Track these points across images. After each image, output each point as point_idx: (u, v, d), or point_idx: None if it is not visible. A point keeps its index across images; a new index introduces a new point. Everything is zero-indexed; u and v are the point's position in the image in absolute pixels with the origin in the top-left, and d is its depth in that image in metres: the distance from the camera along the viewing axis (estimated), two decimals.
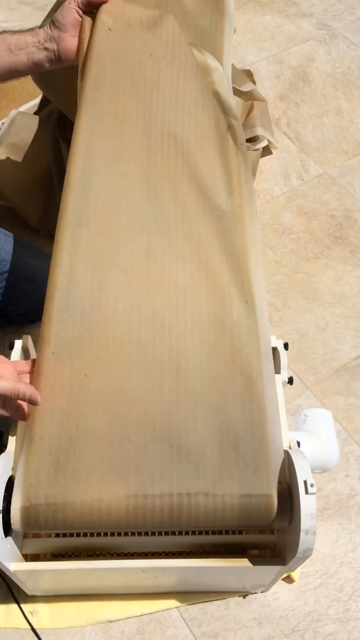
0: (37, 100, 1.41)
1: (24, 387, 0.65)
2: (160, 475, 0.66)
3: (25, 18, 1.71)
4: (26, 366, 0.71)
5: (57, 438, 0.66)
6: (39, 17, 1.67)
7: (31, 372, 0.71)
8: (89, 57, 0.84)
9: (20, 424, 0.72)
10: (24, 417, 0.68)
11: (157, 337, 0.72)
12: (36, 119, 1.21)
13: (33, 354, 0.82)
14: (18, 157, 1.15)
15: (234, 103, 0.90)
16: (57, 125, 1.15)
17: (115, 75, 0.84)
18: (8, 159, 1.15)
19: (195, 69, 0.86)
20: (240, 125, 0.88)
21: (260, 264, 0.80)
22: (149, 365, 0.70)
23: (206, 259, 0.77)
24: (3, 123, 1.25)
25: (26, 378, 0.70)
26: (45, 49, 0.84)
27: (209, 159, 0.83)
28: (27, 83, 1.48)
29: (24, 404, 0.68)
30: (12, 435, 0.72)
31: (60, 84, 0.99)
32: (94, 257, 0.75)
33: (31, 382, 0.69)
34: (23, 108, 1.38)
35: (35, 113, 1.24)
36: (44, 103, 1.22)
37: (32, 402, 0.66)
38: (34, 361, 0.71)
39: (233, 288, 0.76)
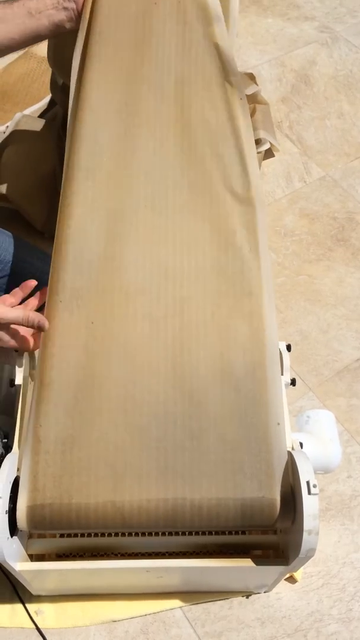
0: (42, 103, 1.42)
1: (33, 314, 0.69)
2: (165, 476, 0.66)
3: None
4: (20, 294, 0.74)
5: (62, 429, 0.68)
6: None
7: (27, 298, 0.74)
8: (93, 13, 0.84)
9: (25, 426, 0.73)
10: (28, 347, 0.73)
11: (161, 287, 0.74)
12: (41, 121, 1.22)
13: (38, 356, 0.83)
14: (23, 160, 1.16)
15: (234, 58, 0.89)
16: (62, 128, 1.16)
17: (120, 28, 0.85)
18: (13, 161, 1.16)
19: (200, 17, 0.86)
20: (239, 81, 0.87)
21: (265, 217, 0.82)
22: (153, 313, 0.73)
23: (211, 209, 0.79)
24: (7, 126, 1.26)
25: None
26: (65, 8, 0.84)
27: (215, 107, 0.84)
28: (31, 87, 1.49)
29: (29, 337, 0.73)
30: (17, 436, 0.72)
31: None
32: (101, 209, 0.77)
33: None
34: (27, 111, 1.39)
35: (39, 116, 1.25)
36: (50, 106, 1.23)
37: (40, 327, 0.70)
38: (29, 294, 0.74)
39: (238, 238, 0.77)
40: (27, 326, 0.70)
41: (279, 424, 0.69)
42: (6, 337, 0.71)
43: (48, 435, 0.67)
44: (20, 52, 1.61)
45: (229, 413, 0.70)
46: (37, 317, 0.70)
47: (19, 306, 0.73)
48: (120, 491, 0.66)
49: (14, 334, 0.71)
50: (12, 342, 0.71)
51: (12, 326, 0.71)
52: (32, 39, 0.85)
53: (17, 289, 0.75)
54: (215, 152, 0.82)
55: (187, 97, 0.83)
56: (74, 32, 0.85)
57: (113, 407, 0.69)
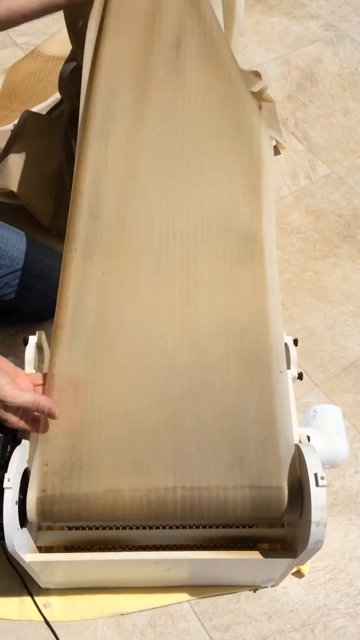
0: (48, 102, 1.43)
1: (44, 400, 0.66)
2: (174, 468, 0.67)
3: (35, 21, 1.72)
4: (40, 380, 0.72)
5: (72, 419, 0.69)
6: (48, 20, 1.68)
7: (44, 385, 0.72)
8: None
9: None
10: (36, 429, 0.69)
11: (169, 244, 0.79)
12: (48, 119, 1.22)
13: (47, 350, 0.83)
14: (30, 157, 1.17)
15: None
16: (69, 126, 1.16)
17: (135, 3, 0.88)
18: (20, 159, 1.16)
19: None
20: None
21: (273, 181, 0.86)
22: (161, 268, 0.78)
23: (217, 174, 0.84)
24: (15, 124, 1.27)
25: (39, 391, 0.71)
26: None
27: (221, 76, 0.89)
28: (38, 85, 1.50)
29: (38, 418, 0.69)
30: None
31: None
32: (114, 169, 0.82)
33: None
34: (34, 110, 1.40)
35: (46, 114, 1.26)
36: (57, 104, 1.24)
37: (50, 415, 0.67)
38: (45, 375, 0.73)
39: (242, 202, 0.82)
40: (37, 412, 0.67)
41: (281, 372, 0.73)
42: (14, 419, 0.67)
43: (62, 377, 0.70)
44: (26, 51, 1.62)
45: (233, 363, 0.72)
46: (47, 403, 0.67)
47: (31, 389, 0.70)
48: (130, 483, 0.66)
49: (23, 416, 0.68)
50: (20, 424, 0.68)
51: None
52: (50, 9, 0.86)
53: (36, 375, 0.73)
54: (223, 116, 0.87)
55: (200, 66, 0.88)
56: (90, 3, 0.88)
57: (124, 350, 0.73)
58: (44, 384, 0.72)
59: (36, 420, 0.69)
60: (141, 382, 0.71)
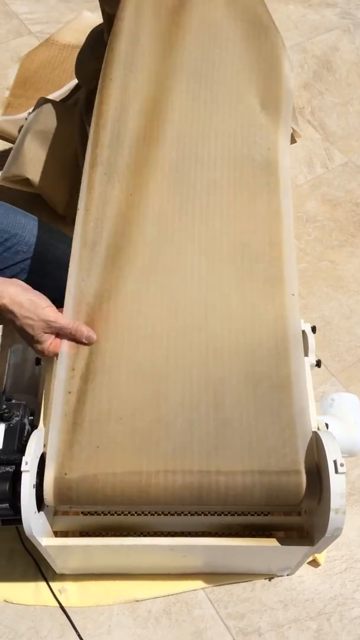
0: (63, 90, 1.42)
1: (83, 326, 0.72)
2: (192, 455, 0.66)
3: (50, 9, 1.72)
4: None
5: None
6: (63, 9, 1.68)
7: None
8: None
9: (51, 401, 0.73)
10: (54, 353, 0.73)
11: (192, 168, 0.83)
12: (64, 106, 1.22)
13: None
14: (45, 145, 1.16)
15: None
16: (84, 113, 1.16)
17: None
18: (35, 146, 1.16)
19: None
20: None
21: (289, 116, 0.90)
22: (184, 191, 0.82)
23: (239, 105, 0.88)
24: (29, 113, 1.26)
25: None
26: None
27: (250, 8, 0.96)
28: (53, 74, 1.50)
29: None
30: (43, 414, 0.73)
31: None
32: (138, 95, 0.86)
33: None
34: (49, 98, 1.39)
35: (62, 102, 1.25)
36: (72, 92, 1.23)
37: (89, 340, 0.72)
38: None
39: (260, 135, 0.87)
40: (74, 337, 0.72)
41: (293, 294, 0.77)
42: (49, 342, 0.72)
43: (87, 290, 0.75)
44: (41, 40, 1.61)
45: (248, 283, 0.77)
46: (86, 330, 0.72)
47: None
48: (146, 464, 0.66)
49: (56, 342, 0.73)
50: (52, 347, 0.72)
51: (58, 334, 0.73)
52: None
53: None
54: (247, 49, 0.91)
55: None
56: None
57: (141, 266, 0.77)
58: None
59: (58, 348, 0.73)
60: (157, 363, 0.71)
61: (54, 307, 0.73)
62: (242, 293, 0.76)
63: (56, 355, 0.73)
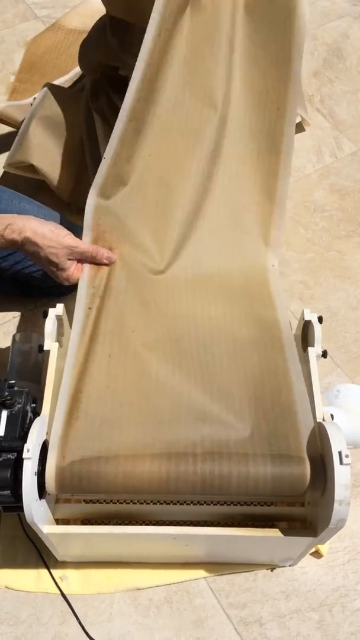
0: (69, 75, 1.41)
1: (102, 249, 0.81)
2: (195, 445, 0.66)
3: None
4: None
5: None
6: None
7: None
8: None
9: (55, 389, 0.73)
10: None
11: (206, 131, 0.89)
12: (70, 92, 1.20)
13: (67, 322, 0.83)
14: (51, 131, 1.15)
15: None
16: (90, 99, 1.14)
17: None
18: (41, 132, 1.15)
19: None
20: None
21: (299, 74, 0.91)
22: (195, 153, 0.89)
23: (255, 68, 0.91)
24: (35, 98, 1.25)
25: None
26: None
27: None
28: (59, 59, 1.48)
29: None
30: (46, 401, 0.72)
31: None
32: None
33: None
34: (55, 83, 1.38)
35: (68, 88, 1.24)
36: (79, 78, 1.22)
37: (109, 259, 0.82)
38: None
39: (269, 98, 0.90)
40: (95, 259, 0.81)
41: (273, 265, 0.88)
42: (72, 267, 0.81)
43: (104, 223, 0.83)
44: (47, 24, 1.59)
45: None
46: (106, 251, 0.81)
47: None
48: (150, 453, 0.65)
49: (78, 267, 0.82)
50: (76, 273, 0.81)
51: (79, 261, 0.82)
52: None
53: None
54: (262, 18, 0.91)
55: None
56: None
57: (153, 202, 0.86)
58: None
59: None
60: (159, 352, 0.72)
61: (73, 235, 0.80)
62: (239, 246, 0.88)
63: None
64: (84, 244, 0.81)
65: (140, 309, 0.79)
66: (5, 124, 1.30)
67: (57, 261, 0.79)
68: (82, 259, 0.82)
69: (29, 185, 1.19)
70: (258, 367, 0.73)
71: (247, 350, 0.75)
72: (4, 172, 1.23)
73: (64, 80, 1.38)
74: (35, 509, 0.64)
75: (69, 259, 0.80)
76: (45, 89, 1.20)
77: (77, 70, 1.41)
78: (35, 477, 0.64)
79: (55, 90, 1.20)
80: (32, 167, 1.15)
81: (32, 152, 1.13)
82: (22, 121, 1.21)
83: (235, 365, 0.73)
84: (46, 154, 1.15)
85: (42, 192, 1.19)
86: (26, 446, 0.63)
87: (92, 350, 0.74)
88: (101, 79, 1.13)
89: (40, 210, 1.01)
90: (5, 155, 1.25)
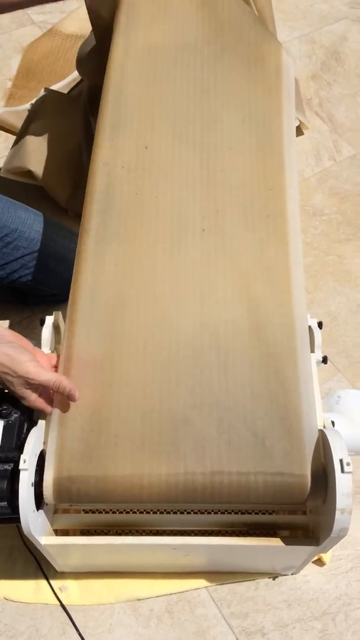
0: (66, 81, 1.41)
1: (65, 380, 0.65)
2: (195, 452, 0.65)
3: None
4: (55, 360, 0.71)
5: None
6: None
7: (56, 367, 0.70)
8: None
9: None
10: (48, 411, 0.67)
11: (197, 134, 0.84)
12: (67, 97, 1.20)
13: (63, 331, 0.82)
14: (48, 136, 1.15)
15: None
16: (88, 104, 1.14)
17: None
18: (38, 138, 1.14)
19: None
20: None
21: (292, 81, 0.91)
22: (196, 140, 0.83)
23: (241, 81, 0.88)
24: (32, 104, 1.25)
25: (56, 371, 0.70)
26: None
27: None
28: (56, 64, 1.48)
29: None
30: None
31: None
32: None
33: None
34: (53, 89, 1.37)
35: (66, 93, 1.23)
36: (76, 85, 1.21)
37: (70, 397, 0.66)
38: (59, 356, 0.71)
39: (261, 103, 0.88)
40: (57, 392, 0.66)
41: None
42: (32, 397, 0.66)
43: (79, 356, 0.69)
44: (44, 30, 1.59)
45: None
46: (69, 384, 0.65)
47: (50, 368, 0.69)
48: (149, 466, 0.64)
49: (41, 394, 0.67)
50: (37, 403, 0.66)
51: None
52: (19, 4, 0.84)
53: (52, 355, 0.72)
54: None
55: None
56: None
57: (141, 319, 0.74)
58: (56, 366, 0.71)
59: (50, 401, 0.68)
60: (159, 361, 0.69)
61: (36, 361, 0.65)
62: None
63: (47, 411, 0.68)
64: (45, 374, 0.64)
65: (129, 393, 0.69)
66: (2, 130, 1.30)
67: (12, 389, 0.65)
68: (44, 390, 0.67)
69: (26, 191, 1.18)
70: (264, 369, 0.71)
71: (250, 357, 0.73)
72: (1, 179, 1.23)
73: (61, 85, 1.38)
74: (32, 521, 0.63)
75: (26, 389, 0.65)
76: (43, 94, 1.20)
77: (74, 75, 1.41)
78: (32, 488, 0.63)
79: (52, 95, 1.20)
80: (29, 173, 1.15)
81: (30, 158, 1.13)
82: (19, 127, 1.21)
83: (240, 370, 0.71)
84: (43, 159, 1.14)
85: (40, 198, 1.18)
86: (22, 457, 0.62)
87: (76, 437, 0.66)
88: (99, 84, 1.13)
89: (37, 218, 1.00)
90: (2, 161, 1.24)
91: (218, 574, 0.84)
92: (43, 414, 0.69)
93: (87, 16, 0.99)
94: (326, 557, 0.86)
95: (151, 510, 0.74)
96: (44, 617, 0.82)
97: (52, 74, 1.44)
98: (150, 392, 0.68)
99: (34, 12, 1.66)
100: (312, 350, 0.78)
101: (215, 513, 0.75)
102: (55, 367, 0.71)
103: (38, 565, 0.84)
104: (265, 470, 0.64)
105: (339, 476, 0.62)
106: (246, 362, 0.69)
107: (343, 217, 1.26)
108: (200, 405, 0.67)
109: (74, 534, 0.76)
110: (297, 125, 1.31)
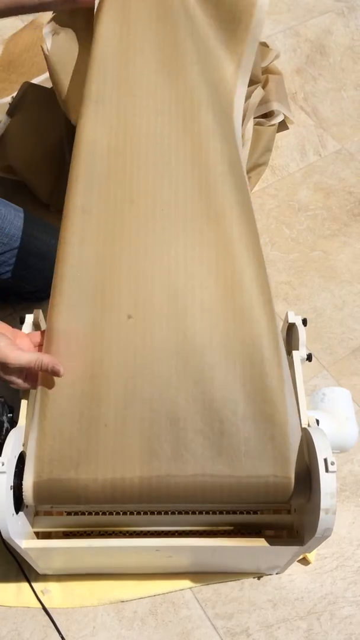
0: (47, 74, 1.38)
1: (47, 358, 0.64)
2: (178, 454, 0.64)
3: None
4: (38, 338, 0.70)
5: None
6: None
7: (41, 344, 0.69)
8: None
9: (32, 397, 0.70)
10: (36, 386, 0.67)
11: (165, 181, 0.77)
12: (49, 91, 1.17)
13: (44, 328, 0.80)
14: (29, 130, 1.13)
15: None
16: None
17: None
18: (19, 132, 1.12)
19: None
20: None
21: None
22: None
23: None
24: (13, 97, 1.22)
25: (40, 350, 0.69)
26: None
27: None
28: (37, 57, 1.45)
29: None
30: (23, 411, 0.70)
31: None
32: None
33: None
34: (34, 82, 1.35)
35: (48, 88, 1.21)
36: None
37: (54, 373, 0.65)
38: (43, 332, 0.70)
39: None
40: (40, 370, 0.65)
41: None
42: (19, 381, 0.66)
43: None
44: (26, 22, 1.56)
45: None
46: (51, 361, 0.64)
47: (32, 348, 0.68)
48: (129, 465, 0.63)
49: (27, 376, 0.67)
50: (25, 385, 0.66)
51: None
52: (15, 10, 0.82)
53: (35, 333, 0.71)
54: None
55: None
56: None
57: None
58: (41, 344, 0.69)
59: (37, 379, 0.67)
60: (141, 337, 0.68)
61: (13, 345, 0.64)
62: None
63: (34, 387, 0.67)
64: (24, 356, 0.63)
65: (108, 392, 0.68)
66: None
67: None
68: (27, 372, 0.67)
69: (6, 186, 1.16)
70: (249, 367, 0.70)
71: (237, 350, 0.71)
72: None
73: (43, 78, 1.35)
74: (11, 524, 0.62)
75: (11, 374, 0.65)
76: (24, 88, 1.18)
77: None
78: (11, 492, 0.61)
79: (33, 89, 1.18)
80: (9, 168, 1.13)
81: (10, 152, 1.11)
82: (0, 121, 1.19)
83: (225, 365, 0.69)
84: (24, 154, 1.12)
85: (21, 193, 1.16)
86: (1, 459, 0.61)
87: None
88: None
89: (17, 213, 0.98)
90: None
91: (202, 575, 0.83)
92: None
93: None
94: (311, 556, 0.85)
95: (135, 511, 0.73)
96: (26, 621, 0.80)
97: (34, 66, 1.41)
98: (129, 399, 0.66)
99: None
100: (297, 348, 0.77)
101: (200, 513, 0.73)
102: (40, 345, 0.69)
103: (19, 568, 0.82)
104: (249, 471, 0.63)
105: (323, 476, 0.61)
106: (228, 358, 0.68)
107: (328, 212, 1.25)
108: (184, 410, 0.66)
109: (56, 536, 0.74)
110: (282, 120, 1.29)
